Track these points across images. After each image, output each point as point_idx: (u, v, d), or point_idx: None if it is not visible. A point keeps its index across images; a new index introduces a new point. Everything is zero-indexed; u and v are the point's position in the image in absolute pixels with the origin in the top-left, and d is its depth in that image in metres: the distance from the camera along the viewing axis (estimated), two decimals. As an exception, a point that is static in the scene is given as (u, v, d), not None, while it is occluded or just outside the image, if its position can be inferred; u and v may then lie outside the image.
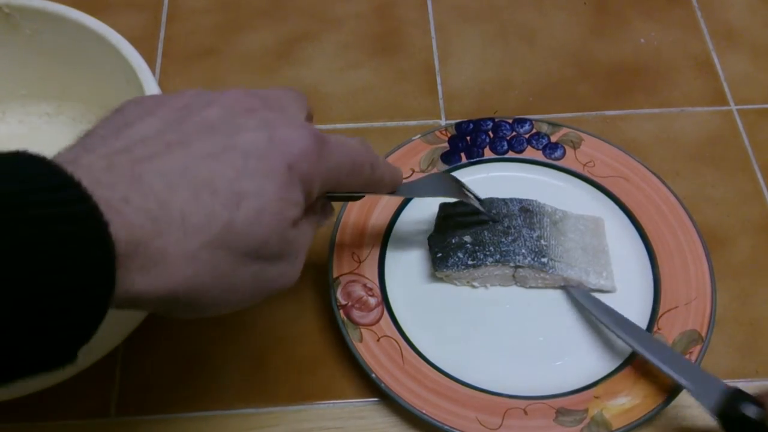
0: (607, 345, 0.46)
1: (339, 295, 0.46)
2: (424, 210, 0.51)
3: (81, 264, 0.23)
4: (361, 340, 0.45)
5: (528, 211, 0.49)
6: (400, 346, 0.45)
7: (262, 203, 0.28)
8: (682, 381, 0.41)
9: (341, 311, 0.46)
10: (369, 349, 0.44)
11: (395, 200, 0.51)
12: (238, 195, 0.27)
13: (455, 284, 0.48)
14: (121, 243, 0.24)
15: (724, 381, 0.40)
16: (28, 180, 0.23)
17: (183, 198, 0.26)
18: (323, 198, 0.36)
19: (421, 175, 0.52)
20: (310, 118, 0.35)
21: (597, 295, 0.47)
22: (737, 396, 0.39)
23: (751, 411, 0.37)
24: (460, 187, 0.46)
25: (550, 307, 0.48)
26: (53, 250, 0.22)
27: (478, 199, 0.48)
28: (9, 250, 0.21)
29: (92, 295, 0.23)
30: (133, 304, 0.26)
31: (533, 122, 0.54)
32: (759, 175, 0.55)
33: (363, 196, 0.39)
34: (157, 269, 0.26)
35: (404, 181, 0.40)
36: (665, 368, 0.42)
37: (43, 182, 0.23)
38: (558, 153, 0.53)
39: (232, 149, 0.28)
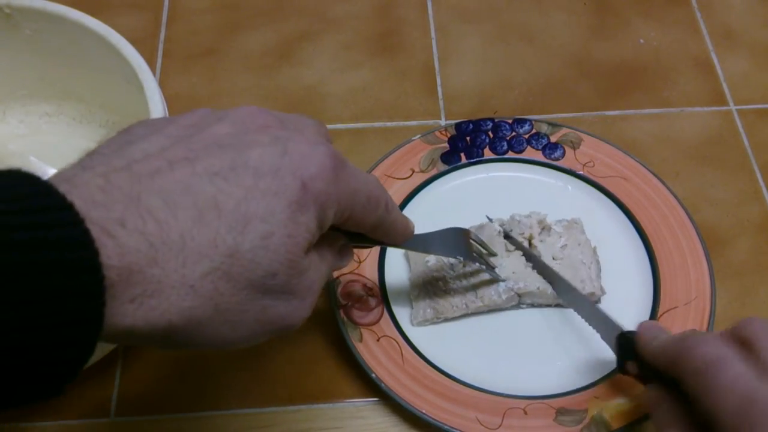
0: (607, 345, 0.46)
1: (339, 295, 0.47)
2: (424, 210, 0.51)
3: (66, 296, 0.21)
4: (361, 340, 0.45)
5: (509, 237, 0.48)
6: (400, 346, 0.45)
7: (271, 227, 0.25)
8: (593, 325, 0.44)
9: (341, 311, 0.46)
10: (369, 349, 0.45)
11: (396, 200, 0.50)
12: (244, 217, 0.25)
13: None
14: (113, 271, 0.22)
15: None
16: (17, 200, 0.21)
17: (184, 220, 0.24)
18: (344, 237, 0.34)
19: (422, 176, 0.52)
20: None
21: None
22: (624, 344, 0.41)
23: (633, 368, 0.40)
24: (471, 252, 0.44)
25: (550, 307, 0.48)
26: (37, 279, 0.20)
27: (492, 254, 0.47)
28: None
29: (78, 330, 0.21)
30: (126, 337, 0.24)
31: (533, 122, 0.54)
32: (758, 175, 0.55)
33: (374, 245, 0.37)
34: (151, 301, 0.23)
35: (414, 222, 0.38)
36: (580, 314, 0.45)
37: (33, 203, 0.21)
38: (558, 153, 0.53)
39: (241, 167, 0.26)
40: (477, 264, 0.45)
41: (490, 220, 0.49)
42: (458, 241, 0.44)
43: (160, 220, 0.24)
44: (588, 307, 0.44)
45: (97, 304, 0.22)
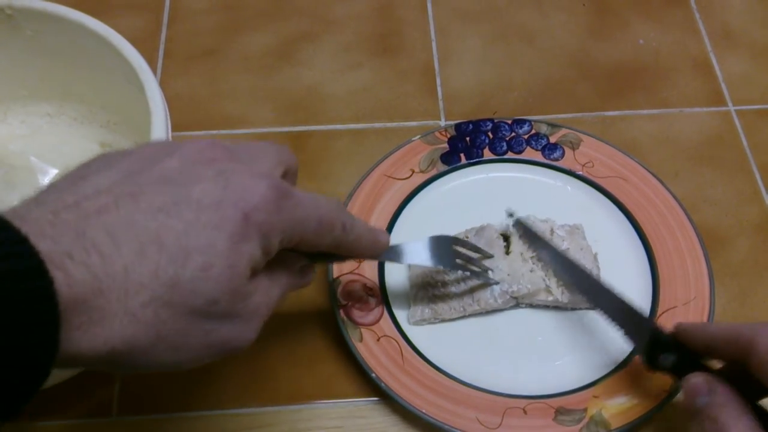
0: (607, 344, 0.46)
1: (339, 295, 0.47)
2: (424, 211, 0.51)
3: (24, 324, 0.22)
4: (361, 339, 0.45)
5: (507, 237, 0.49)
6: (400, 346, 0.45)
7: (211, 258, 0.27)
8: (616, 320, 0.42)
9: (341, 311, 0.46)
10: (369, 348, 0.45)
11: (395, 200, 0.51)
12: (185, 250, 0.26)
13: None
14: (63, 300, 0.23)
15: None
16: None
17: (127, 253, 0.25)
18: (304, 259, 0.35)
19: (422, 176, 0.52)
20: (291, 173, 0.34)
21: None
22: (657, 338, 0.40)
23: (668, 361, 0.39)
24: (455, 260, 0.44)
25: (549, 306, 0.48)
26: None
27: (486, 256, 0.47)
28: None
29: (34, 355, 0.23)
30: (73, 362, 0.25)
31: (532, 123, 0.55)
32: (757, 176, 0.55)
33: (344, 260, 0.37)
34: (96, 328, 0.25)
35: (401, 232, 0.38)
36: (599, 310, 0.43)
37: None
38: (557, 153, 0.54)
39: (184, 202, 0.27)
40: (461, 272, 0.45)
41: (511, 215, 0.50)
42: (440, 251, 0.44)
43: (104, 253, 0.25)
44: (613, 299, 0.43)
45: (53, 330, 0.23)
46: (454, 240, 0.45)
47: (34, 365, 0.23)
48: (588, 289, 0.44)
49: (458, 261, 0.45)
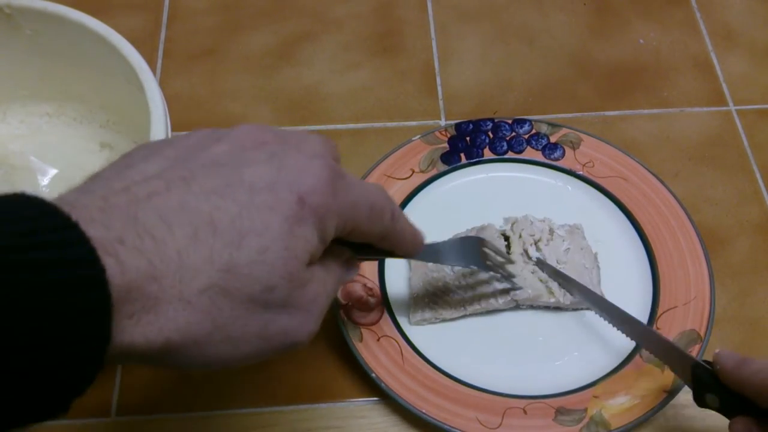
0: (607, 344, 0.46)
1: (339, 295, 0.47)
2: (424, 211, 0.51)
3: (76, 313, 0.21)
4: (361, 339, 0.45)
5: (508, 238, 0.49)
6: (400, 346, 0.45)
7: (267, 241, 0.26)
8: (659, 357, 0.41)
9: (341, 311, 0.46)
10: (369, 348, 0.45)
11: (395, 200, 0.51)
12: (240, 232, 0.25)
13: None
14: (115, 288, 0.22)
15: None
16: (24, 221, 0.21)
17: (180, 237, 0.24)
18: (349, 251, 0.34)
19: (422, 176, 0.52)
20: (336, 160, 0.32)
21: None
22: (699, 377, 0.38)
23: (714, 402, 0.37)
24: (485, 261, 0.44)
25: (549, 307, 0.48)
26: (48, 297, 0.21)
27: (508, 261, 0.46)
28: (5, 297, 0.20)
29: (87, 346, 0.22)
30: (126, 354, 0.24)
31: (533, 123, 0.55)
32: (758, 175, 0.55)
33: (383, 257, 0.36)
34: (149, 316, 0.24)
35: (422, 229, 0.37)
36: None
37: (40, 224, 0.22)
38: (557, 153, 0.53)
39: (236, 184, 0.26)
40: (491, 273, 0.45)
41: (502, 235, 0.49)
42: (472, 251, 0.43)
43: (156, 237, 0.24)
44: (656, 339, 0.41)
45: (105, 319, 0.22)
46: (482, 241, 0.45)
47: (86, 357, 0.22)
48: (632, 329, 0.43)
49: (488, 263, 0.44)
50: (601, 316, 0.45)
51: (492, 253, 0.45)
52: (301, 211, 0.27)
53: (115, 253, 0.23)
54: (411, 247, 0.36)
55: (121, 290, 0.22)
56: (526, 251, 0.48)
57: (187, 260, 0.24)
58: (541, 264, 0.47)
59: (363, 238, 0.32)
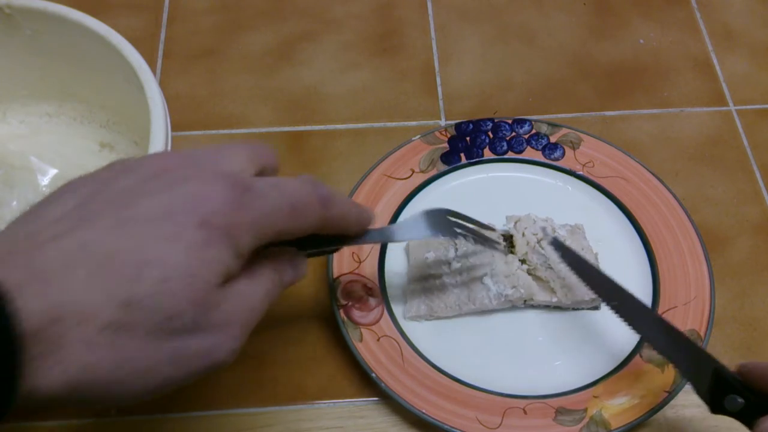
0: (607, 345, 0.46)
1: (339, 295, 0.47)
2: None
3: None
4: (361, 339, 0.45)
5: (510, 237, 0.48)
6: (400, 346, 0.45)
7: (168, 270, 0.25)
8: (671, 358, 0.39)
9: (341, 311, 0.46)
10: (369, 348, 0.45)
11: (395, 200, 0.51)
12: (138, 266, 0.25)
13: None
14: (17, 333, 0.22)
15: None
16: None
17: (81, 277, 0.24)
18: (291, 250, 0.33)
19: (422, 176, 0.52)
20: (269, 171, 0.32)
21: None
22: (721, 378, 0.37)
23: (735, 404, 0.36)
24: (451, 226, 0.42)
25: (549, 307, 0.48)
26: None
27: (485, 227, 0.45)
28: None
29: None
30: (33, 400, 0.23)
31: (533, 123, 0.55)
32: (758, 175, 0.55)
33: (338, 245, 0.35)
34: (52, 359, 0.23)
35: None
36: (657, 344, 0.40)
37: None
38: (557, 153, 0.53)
39: (134, 218, 0.26)
40: (464, 239, 0.42)
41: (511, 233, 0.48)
42: (437, 222, 0.42)
43: (57, 280, 0.24)
44: (670, 332, 0.39)
45: (11, 365, 0.22)
46: (448, 212, 0.43)
47: None
48: (640, 320, 0.40)
49: (457, 230, 0.42)
50: (615, 312, 0.42)
51: (461, 221, 0.43)
52: (207, 234, 0.26)
53: (17, 297, 0.23)
54: (357, 225, 0.35)
55: (23, 334, 0.22)
56: (538, 242, 0.48)
57: (87, 299, 0.24)
58: (558, 246, 0.44)
59: (298, 235, 0.31)
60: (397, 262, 0.49)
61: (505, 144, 0.54)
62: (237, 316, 0.28)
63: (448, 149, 0.54)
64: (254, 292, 0.30)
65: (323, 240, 0.34)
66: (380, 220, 0.50)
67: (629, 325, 0.40)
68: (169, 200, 0.27)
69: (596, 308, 0.47)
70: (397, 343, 0.45)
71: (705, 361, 0.37)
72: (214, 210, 0.27)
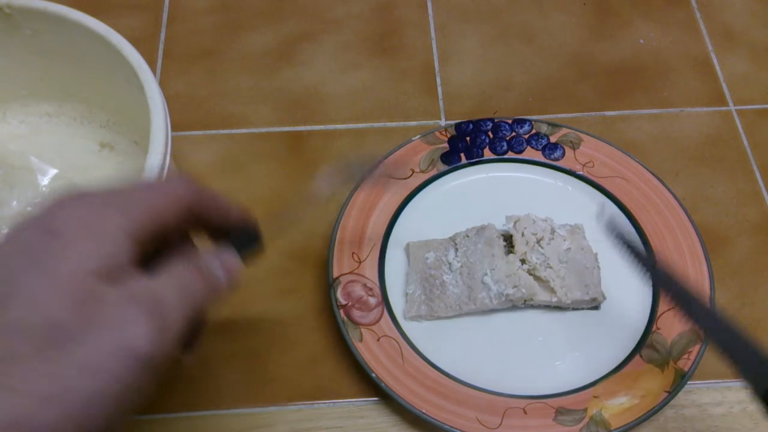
0: (607, 345, 0.46)
1: (339, 295, 0.47)
2: (425, 209, 0.51)
3: None
4: (361, 339, 0.45)
5: (509, 237, 0.48)
6: (400, 346, 0.45)
7: (34, 286, 0.24)
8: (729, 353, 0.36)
9: (341, 311, 0.46)
10: (369, 348, 0.45)
11: (395, 200, 0.51)
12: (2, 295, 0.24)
13: None
14: None
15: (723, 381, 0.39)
16: None
17: None
18: (224, 249, 0.31)
19: (422, 176, 0.52)
20: (152, 211, 0.28)
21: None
22: None
23: None
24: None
25: (549, 307, 0.48)
26: None
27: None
28: None
29: None
30: None
31: (533, 123, 0.55)
32: (758, 175, 0.55)
33: (256, 246, 0.33)
34: None
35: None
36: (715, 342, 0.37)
37: None
38: (557, 153, 0.53)
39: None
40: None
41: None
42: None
43: None
44: (728, 328, 0.37)
45: None
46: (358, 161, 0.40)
47: None
48: (696, 313, 0.39)
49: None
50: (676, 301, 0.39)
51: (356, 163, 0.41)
52: (52, 239, 0.25)
53: None
54: (236, 213, 0.32)
55: None
56: (537, 242, 0.48)
57: None
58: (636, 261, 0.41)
59: (179, 218, 0.29)
60: (397, 262, 0.49)
61: (505, 144, 0.54)
62: (136, 301, 0.25)
63: (448, 149, 0.54)
64: (160, 282, 0.27)
65: (241, 237, 0.32)
66: (381, 220, 0.50)
67: (689, 317, 0.39)
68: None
69: (596, 308, 0.48)
70: (397, 343, 0.45)
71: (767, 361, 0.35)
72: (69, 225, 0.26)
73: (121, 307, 0.25)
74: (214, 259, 0.30)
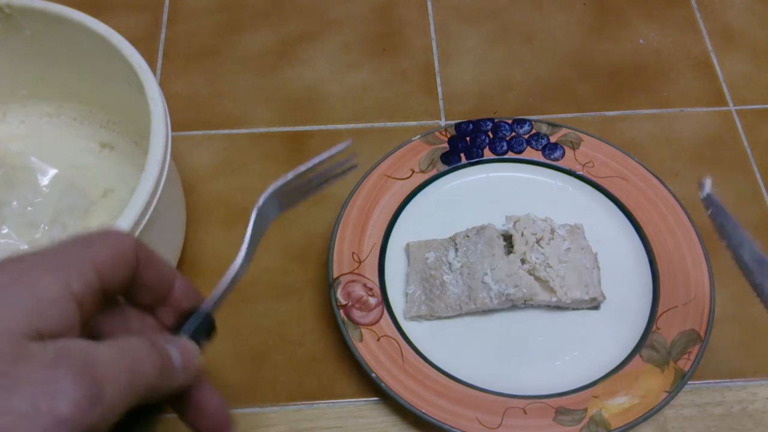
0: (607, 345, 0.46)
1: (339, 295, 0.47)
2: (425, 209, 0.51)
3: None
4: (361, 339, 0.45)
5: (509, 237, 0.48)
6: (400, 346, 0.45)
7: None
8: None
9: (341, 311, 0.46)
10: (369, 348, 0.45)
11: (395, 200, 0.51)
12: None
13: None
14: None
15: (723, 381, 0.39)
16: None
17: None
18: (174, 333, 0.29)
19: (422, 176, 0.52)
20: (91, 264, 0.26)
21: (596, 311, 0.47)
22: None
23: None
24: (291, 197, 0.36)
25: (549, 306, 0.48)
26: None
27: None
28: None
29: None
30: None
31: (533, 123, 0.55)
32: (758, 175, 0.55)
33: (209, 331, 0.30)
34: None
35: None
36: None
37: None
38: (557, 153, 0.53)
39: None
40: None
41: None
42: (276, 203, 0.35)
43: None
44: None
45: None
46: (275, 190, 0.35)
47: None
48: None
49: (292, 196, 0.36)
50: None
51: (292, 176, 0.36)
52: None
53: None
54: (171, 273, 0.30)
55: None
56: (537, 242, 0.48)
57: None
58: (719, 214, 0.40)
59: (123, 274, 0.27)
60: (397, 262, 0.49)
61: (505, 144, 0.54)
62: (66, 362, 0.23)
63: (448, 149, 0.54)
64: (102, 346, 0.25)
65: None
66: (380, 220, 0.50)
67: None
68: None
69: (596, 308, 0.48)
70: (397, 343, 0.45)
71: None
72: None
73: (46, 365, 0.23)
74: (172, 338, 0.29)
